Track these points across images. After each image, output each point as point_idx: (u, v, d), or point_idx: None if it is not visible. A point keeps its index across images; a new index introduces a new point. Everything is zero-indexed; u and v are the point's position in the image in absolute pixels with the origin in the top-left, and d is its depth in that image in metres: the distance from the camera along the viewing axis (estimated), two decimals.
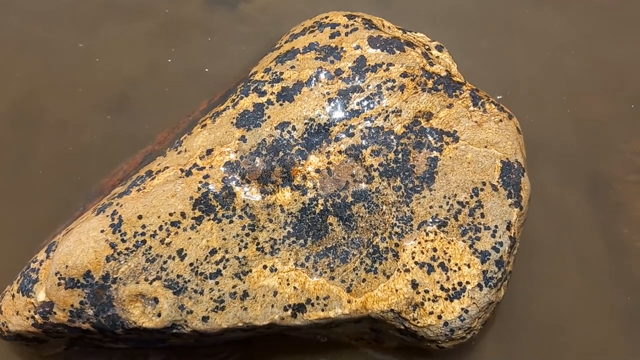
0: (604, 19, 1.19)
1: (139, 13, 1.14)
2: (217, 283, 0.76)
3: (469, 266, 0.77)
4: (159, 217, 0.77)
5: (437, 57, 0.94)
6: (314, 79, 0.86)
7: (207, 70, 1.10)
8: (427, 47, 0.95)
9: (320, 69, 0.87)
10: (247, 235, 0.78)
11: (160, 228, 0.77)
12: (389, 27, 0.97)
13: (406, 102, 0.85)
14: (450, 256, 0.78)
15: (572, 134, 1.08)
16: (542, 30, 1.18)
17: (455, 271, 0.77)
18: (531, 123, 1.06)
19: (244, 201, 0.79)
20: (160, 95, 1.07)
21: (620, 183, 1.02)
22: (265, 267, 0.77)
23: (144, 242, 0.76)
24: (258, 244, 0.78)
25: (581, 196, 1.03)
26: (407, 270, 0.77)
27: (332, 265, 0.78)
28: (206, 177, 0.80)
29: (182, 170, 0.81)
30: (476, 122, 0.86)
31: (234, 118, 0.84)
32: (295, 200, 0.80)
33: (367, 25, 0.93)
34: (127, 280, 0.74)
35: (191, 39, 1.13)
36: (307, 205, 0.80)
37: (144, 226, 0.76)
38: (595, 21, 1.19)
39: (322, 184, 0.81)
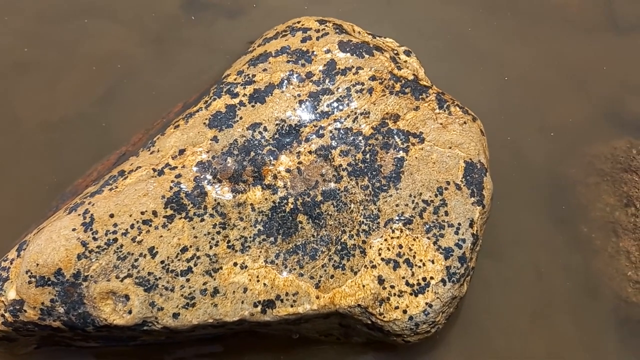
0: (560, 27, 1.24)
1: (119, 15, 1.16)
2: (187, 280, 0.77)
3: (433, 262, 0.80)
4: (130, 215, 0.78)
5: (405, 61, 0.97)
6: (286, 81, 0.89)
7: (182, 73, 1.11)
8: (395, 52, 0.98)
9: (291, 72, 0.89)
10: (218, 233, 0.79)
11: (132, 226, 0.78)
12: (359, 32, 1.00)
13: (374, 104, 0.88)
14: (415, 252, 0.81)
15: (536, 139, 1.12)
16: (505, 54, 1.23)
17: (420, 267, 0.80)
18: (496, 129, 1.10)
19: (215, 200, 0.81)
20: (135, 97, 1.08)
21: (581, 185, 1.07)
22: (235, 264, 0.79)
23: (115, 240, 0.77)
24: (229, 241, 0.80)
25: (544, 198, 1.08)
26: (374, 267, 0.80)
27: (301, 262, 0.80)
28: (178, 176, 0.81)
29: (154, 170, 0.82)
30: (441, 124, 0.89)
31: (206, 119, 0.86)
32: (266, 199, 0.82)
33: (337, 30, 0.95)
34: (98, 278, 0.75)
35: (169, 42, 1.14)
36: (277, 204, 0.82)
37: (115, 224, 0.78)
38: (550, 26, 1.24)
39: (292, 183, 0.83)
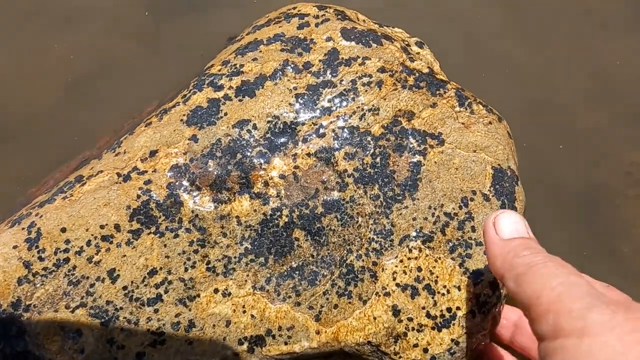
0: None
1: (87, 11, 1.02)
2: (156, 311, 0.62)
3: (459, 289, 0.65)
4: (87, 230, 0.63)
5: (418, 53, 0.84)
6: (280, 72, 0.75)
7: (160, 69, 0.98)
8: (406, 42, 0.85)
9: (286, 62, 0.76)
10: (196, 252, 0.65)
11: (89, 243, 0.63)
12: (364, 20, 0.86)
13: (384, 99, 0.74)
14: (437, 277, 0.66)
15: (564, 145, 0.99)
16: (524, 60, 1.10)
17: (443, 295, 0.65)
18: (518, 133, 0.96)
19: (192, 211, 0.66)
20: (103, 95, 0.94)
21: (620, 198, 0.93)
22: (216, 290, 0.64)
23: (66, 260, 0.62)
24: (208, 262, 0.65)
25: (576, 213, 0.94)
26: (387, 294, 0.65)
27: (298, 289, 0.65)
28: (148, 182, 0.67)
29: (118, 175, 0.67)
30: (463, 123, 0.76)
31: (184, 115, 0.72)
32: (255, 210, 0.67)
33: (339, 17, 0.82)
34: (43, 308, 0.60)
35: (143, 37, 1.01)
36: (269, 217, 0.67)
37: (67, 241, 0.63)
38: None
39: (287, 192, 0.69)
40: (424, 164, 0.72)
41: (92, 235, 0.63)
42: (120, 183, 0.66)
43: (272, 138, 0.71)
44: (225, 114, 0.72)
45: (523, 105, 1.02)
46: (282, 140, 0.71)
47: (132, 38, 1.00)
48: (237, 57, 0.78)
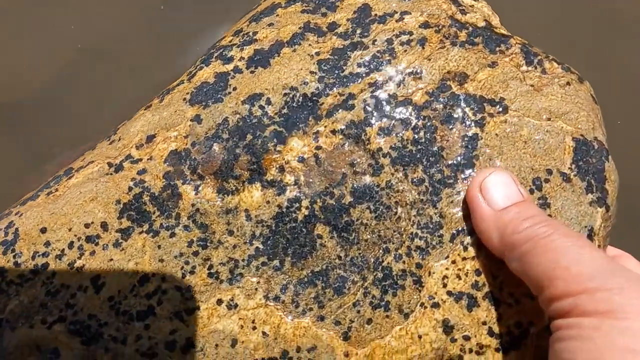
0: None
1: None
2: (147, 327, 0.51)
3: (532, 298, 0.49)
4: (70, 229, 0.53)
5: (472, 6, 0.68)
6: (299, 36, 0.62)
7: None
8: None
9: (307, 24, 0.63)
10: (196, 254, 0.53)
11: (71, 245, 0.53)
12: None
13: (429, 60, 0.60)
14: (502, 282, 0.50)
15: None
16: None
17: (510, 305, 0.50)
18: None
19: (193, 205, 0.54)
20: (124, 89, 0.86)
21: None
22: (220, 302, 0.52)
23: (45, 266, 0.52)
24: (211, 267, 0.53)
25: None
26: (436, 305, 0.50)
27: (321, 299, 0.52)
28: (142, 172, 0.56)
29: (110, 165, 0.57)
30: (532, 85, 0.59)
31: (187, 94, 0.61)
32: (268, 202, 0.55)
33: None
34: (16, 323, 0.50)
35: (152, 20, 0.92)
36: (284, 210, 0.54)
37: (47, 243, 0.53)
38: None
39: (307, 179, 0.55)
40: (482, 138, 0.56)
41: (76, 235, 0.53)
42: (111, 174, 0.56)
43: (289, 114, 0.58)
44: (235, 88, 0.60)
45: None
46: (302, 115, 0.58)
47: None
48: (251, 24, 0.66)
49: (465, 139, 0.56)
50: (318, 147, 0.56)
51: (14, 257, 0.52)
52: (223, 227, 0.54)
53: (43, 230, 0.53)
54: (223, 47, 0.64)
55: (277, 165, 0.56)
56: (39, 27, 0.89)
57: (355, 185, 0.55)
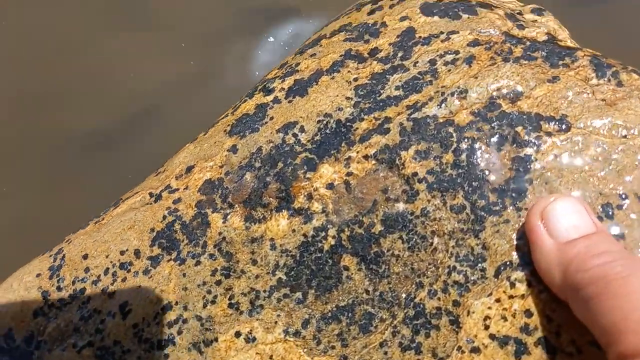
0: None
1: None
2: (166, 357, 0.49)
3: (596, 346, 0.39)
4: (107, 256, 0.55)
5: (534, 21, 0.62)
6: (339, 64, 0.60)
7: None
8: (517, 11, 0.64)
9: (348, 52, 0.61)
10: (218, 283, 0.51)
11: (106, 272, 0.54)
12: None
13: (476, 78, 0.54)
14: (559, 326, 0.42)
15: None
16: None
17: (571, 355, 0.40)
18: None
19: (220, 234, 0.54)
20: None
21: None
22: (238, 334, 0.49)
23: (82, 291, 0.54)
24: (232, 297, 0.51)
25: None
26: (476, 350, 0.43)
27: (345, 336, 0.47)
28: (177, 201, 0.57)
29: (151, 195, 0.59)
30: (604, 100, 0.51)
31: (228, 125, 0.61)
32: (294, 230, 0.52)
33: None
34: (52, 345, 0.52)
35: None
36: (310, 239, 0.51)
37: (87, 269, 0.55)
38: None
39: (335, 206, 0.52)
40: (537, 159, 0.49)
41: (111, 262, 0.54)
42: (150, 204, 0.58)
43: (322, 141, 0.55)
44: (271, 118, 0.59)
45: None
46: (334, 142, 0.55)
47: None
48: (296, 57, 0.66)
49: (517, 161, 0.49)
50: (349, 174, 0.53)
51: (58, 281, 0.55)
52: (247, 256, 0.52)
53: (85, 257, 0.56)
54: (267, 80, 0.65)
55: (306, 193, 0.53)
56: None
57: (386, 213, 0.50)
